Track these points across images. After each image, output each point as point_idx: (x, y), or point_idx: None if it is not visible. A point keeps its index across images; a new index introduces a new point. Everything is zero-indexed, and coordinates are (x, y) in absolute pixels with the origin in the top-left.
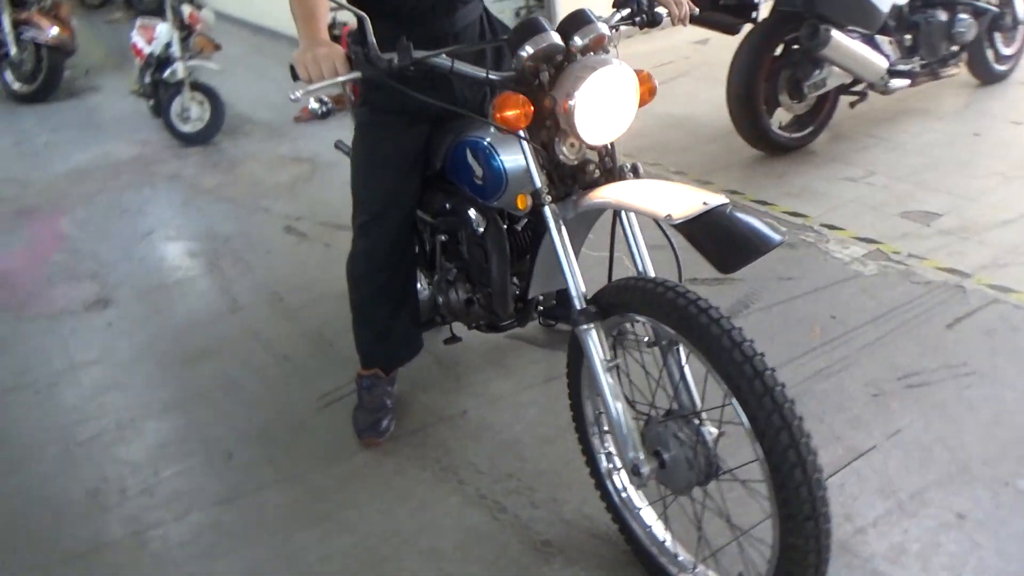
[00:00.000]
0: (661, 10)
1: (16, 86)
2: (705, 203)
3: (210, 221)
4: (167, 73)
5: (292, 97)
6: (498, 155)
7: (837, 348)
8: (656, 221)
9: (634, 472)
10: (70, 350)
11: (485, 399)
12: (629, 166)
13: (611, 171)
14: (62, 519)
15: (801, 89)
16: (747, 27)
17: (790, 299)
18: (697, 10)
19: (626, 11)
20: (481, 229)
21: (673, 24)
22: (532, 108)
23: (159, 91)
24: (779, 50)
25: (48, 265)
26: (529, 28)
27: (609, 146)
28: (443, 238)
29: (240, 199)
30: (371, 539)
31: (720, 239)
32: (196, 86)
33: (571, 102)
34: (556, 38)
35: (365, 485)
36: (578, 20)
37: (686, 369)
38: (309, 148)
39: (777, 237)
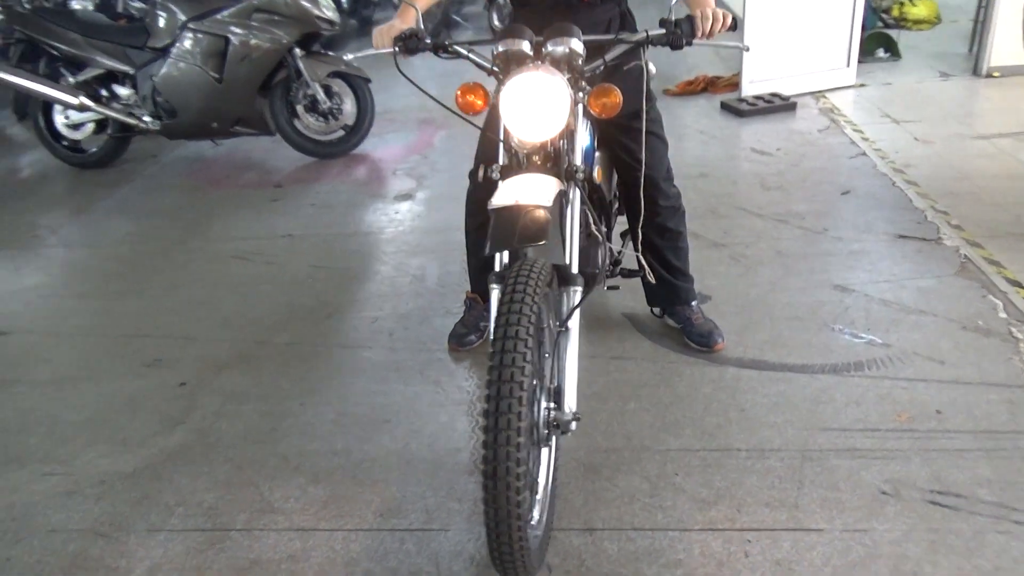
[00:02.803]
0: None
1: None
2: (516, 200)
3: None
4: None
5: (345, 58)
6: None
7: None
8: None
9: None
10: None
11: None
12: (578, 168)
13: (556, 166)
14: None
15: None
16: None
17: (919, 380)
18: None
19: (660, 31)
20: None
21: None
22: (486, 98)
23: None
24: None
25: (402, 162)
26: (509, 31)
27: (560, 144)
28: None
29: None
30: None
31: (498, 225)
32: None
33: (499, 98)
34: (523, 44)
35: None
36: (562, 32)
37: None
38: None
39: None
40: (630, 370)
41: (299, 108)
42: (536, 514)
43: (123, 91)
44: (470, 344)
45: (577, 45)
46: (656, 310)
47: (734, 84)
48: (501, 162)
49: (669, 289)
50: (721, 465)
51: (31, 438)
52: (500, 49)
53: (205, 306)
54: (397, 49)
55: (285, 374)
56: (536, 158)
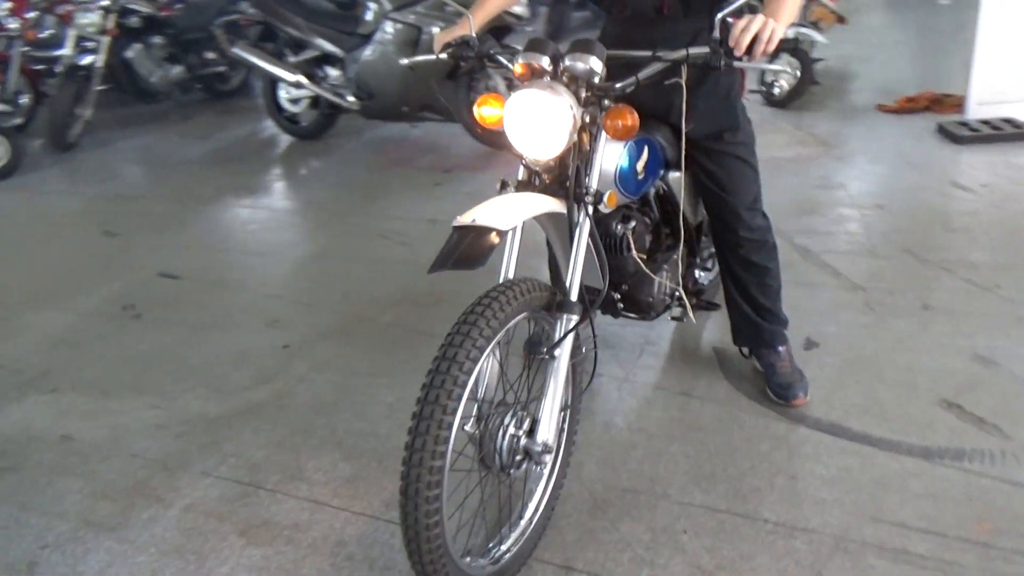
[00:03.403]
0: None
1: None
2: (474, 220)
3: None
4: None
5: (402, 62)
6: None
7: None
8: None
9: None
10: None
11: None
12: (589, 191)
13: (564, 185)
14: None
15: None
16: None
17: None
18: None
19: (702, 50)
20: None
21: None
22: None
23: None
24: None
25: None
26: (532, 44)
27: (572, 166)
28: None
29: None
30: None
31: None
32: (794, 51)
33: (503, 112)
34: (541, 59)
35: None
36: (581, 48)
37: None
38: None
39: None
40: (691, 409)
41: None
42: (512, 536)
43: (333, 72)
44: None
45: (595, 63)
46: (744, 349)
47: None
48: (520, 177)
49: (753, 329)
50: (738, 533)
51: (156, 372)
52: (520, 61)
53: (335, 278)
54: (445, 55)
55: (371, 352)
56: (546, 177)
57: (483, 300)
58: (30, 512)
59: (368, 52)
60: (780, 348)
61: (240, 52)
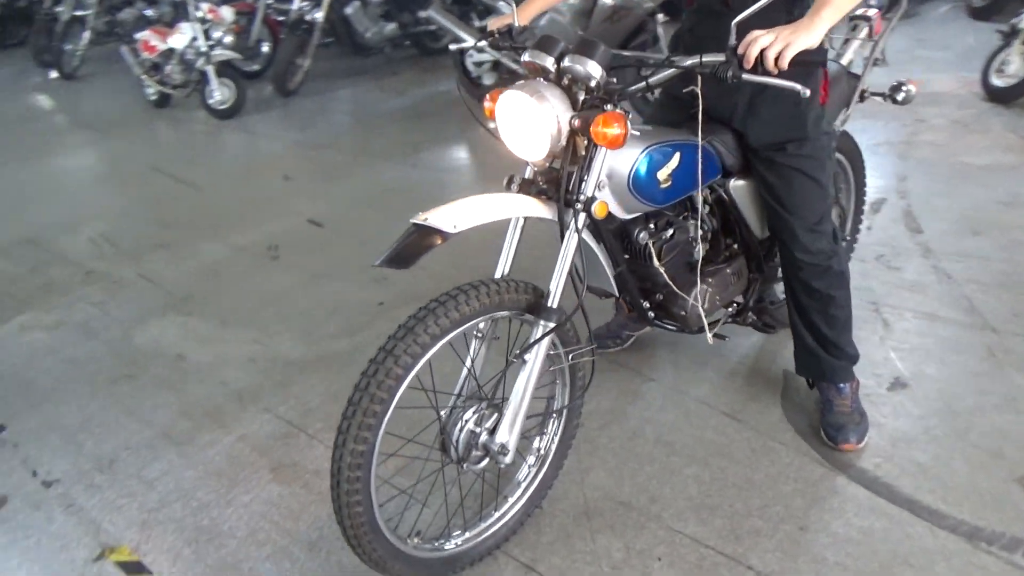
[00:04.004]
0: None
1: None
2: (425, 219)
3: None
4: None
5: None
6: None
7: None
8: None
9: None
10: None
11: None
12: (581, 198)
13: (557, 189)
14: None
15: None
16: None
17: None
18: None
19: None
20: None
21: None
22: None
23: None
24: None
25: None
26: (539, 42)
27: (564, 170)
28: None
29: None
30: None
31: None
32: None
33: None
34: (544, 58)
35: None
36: (581, 49)
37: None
38: None
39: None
40: (728, 433)
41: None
42: (475, 530)
43: None
44: (605, 348)
45: (593, 68)
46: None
47: None
48: (526, 175)
49: (813, 359)
50: (714, 573)
51: (268, 311)
52: (526, 59)
53: (460, 245)
54: (485, 44)
55: None
56: (541, 179)
57: (441, 296)
58: (130, 417)
59: (544, 20)
60: (842, 385)
61: (431, 13)
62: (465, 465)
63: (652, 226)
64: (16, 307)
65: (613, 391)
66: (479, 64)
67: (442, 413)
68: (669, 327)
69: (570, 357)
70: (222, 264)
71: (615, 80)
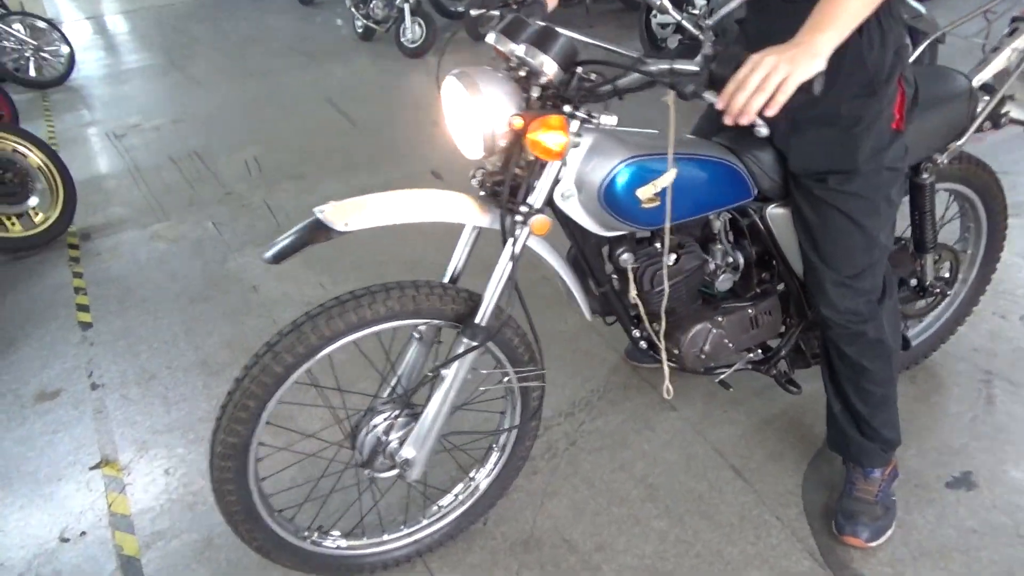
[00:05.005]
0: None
1: None
2: (323, 211)
3: None
4: None
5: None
6: None
7: None
8: None
9: None
10: None
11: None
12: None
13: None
14: None
15: None
16: None
17: None
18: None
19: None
20: None
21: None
22: None
23: None
24: None
25: None
26: (508, 24)
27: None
28: None
29: None
30: None
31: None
32: None
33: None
34: (506, 43)
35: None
36: (539, 39)
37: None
38: None
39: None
40: (723, 491)
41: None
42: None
43: (700, 2)
44: (639, 362)
45: (547, 64)
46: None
47: None
48: (488, 167)
49: (840, 435)
50: None
51: (348, 258)
52: (489, 41)
53: None
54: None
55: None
56: (488, 180)
57: (344, 295)
58: (186, 337)
59: None
60: (872, 472)
61: None
62: (368, 471)
63: (655, 246)
64: (159, 215)
65: (625, 413)
66: (664, 26)
67: (350, 413)
68: (671, 365)
69: (517, 379)
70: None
71: (592, 77)
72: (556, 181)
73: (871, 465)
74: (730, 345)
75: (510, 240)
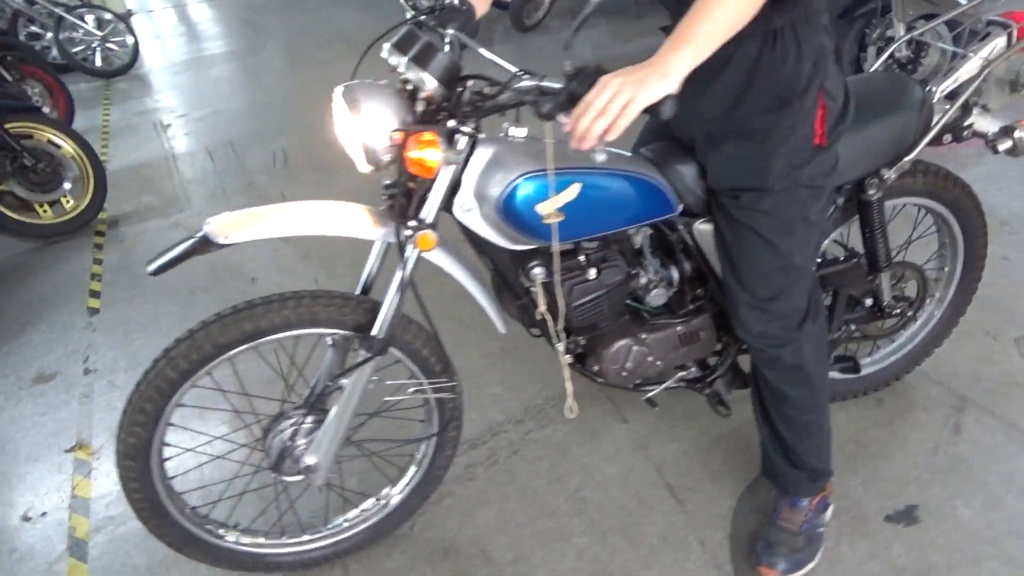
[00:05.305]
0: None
1: None
2: (208, 224)
3: None
4: None
5: None
6: None
7: None
8: None
9: None
10: None
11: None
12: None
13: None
14: None
15: None
16: None
17: None
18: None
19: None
20: None
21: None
22: None
23: None
24: None
25: None
26: (401, 37)
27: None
28: None
29: None
30: None
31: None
32: None
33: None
34: (396, 57)
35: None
36: (424, 55)
37: None
38: None
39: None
40: (653, 510)
41: (869, 49)
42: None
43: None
44: None
45: (427, 79)
46: None
47: None
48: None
49: (767, 460)
50: None
51: (347, 255)
52: (383, 55)
53: None
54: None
55: None
56: (386, 193)
57: (240, 304)
58: (181, 326)
59: None
60: (800, 501)
61: None
62: (275, 475)
63: (577, 260)
64: (183, 205)
65: (574, 423)
66: None
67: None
68: (595, 378)
69: (432, 390)
70: (348, 197)
71: (485, 91)
72: (453, 193)
73: (797, 494)
74: (657, 363)
75: (403, 258)
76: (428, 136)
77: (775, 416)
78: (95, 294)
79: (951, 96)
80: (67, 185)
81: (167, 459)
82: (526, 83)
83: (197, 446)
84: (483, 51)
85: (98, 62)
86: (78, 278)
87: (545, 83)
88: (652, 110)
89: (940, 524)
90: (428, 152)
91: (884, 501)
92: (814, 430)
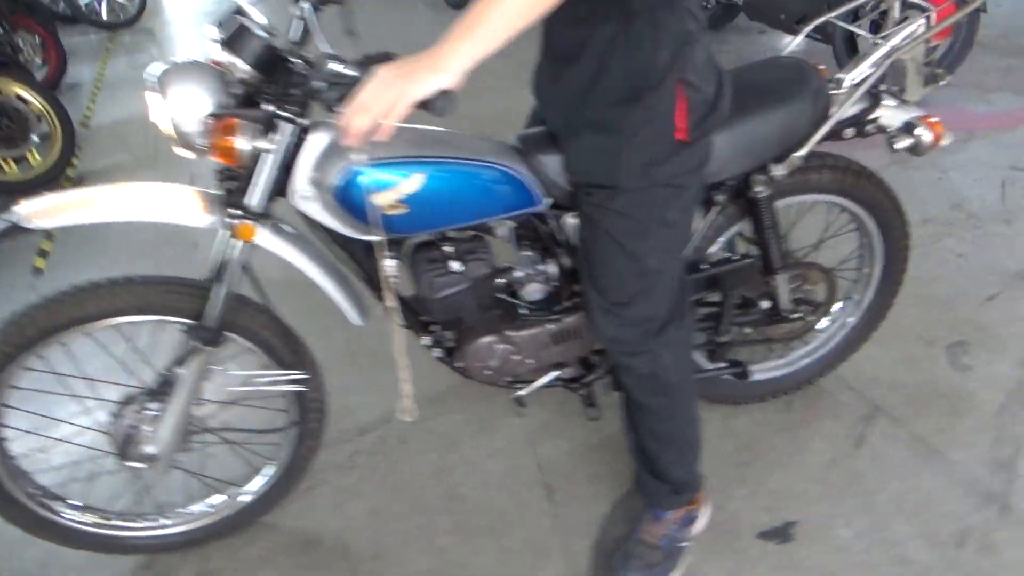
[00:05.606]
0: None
1: None
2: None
3: None
4: None
5: None
6: None
7: None
8: None
9: None
10: None
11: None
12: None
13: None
14: None
15: None
16: None
17: None
18: None
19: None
20: None
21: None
22: None
23: None
24: None
25: None
26: (223, 19)
27: (223, 172)
28: None
29: None
30: None
31: None
32: None
33: None
34: (212, 32)
35: None
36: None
37: None
38: None
39: None
40: (525, 511)
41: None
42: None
43: None
44: None
45: (238, 64)
46: None
47: None
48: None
49: (635, 471)
50: None
51: None
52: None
53: None
54: None
55: None
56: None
57: (68, 288)
58: None
59: None
60: (662, 514)
61: None
62: (121, 461)
63: (440, 251)
64: (151, 165)
65: (471, 413)
66: None
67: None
68: (463, 375)
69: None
70: None
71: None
72: (285, 181)
73: (659, 507)
74: (527, 361)
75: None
76: (229, 123)
77: (638, 424)
78: (43, 254)
79: (860, 86)
80: (35, 139)
81: (3, 439)
82: (330, 68)
83: (40, 428)
84: (320, 36)
85: (104, 15)
86: (33, 237)
87: (348, 70)
88: (425, 107)
89: (813, 544)
90: (231, 138)
91: (762, 516)
92: (678, 442)
